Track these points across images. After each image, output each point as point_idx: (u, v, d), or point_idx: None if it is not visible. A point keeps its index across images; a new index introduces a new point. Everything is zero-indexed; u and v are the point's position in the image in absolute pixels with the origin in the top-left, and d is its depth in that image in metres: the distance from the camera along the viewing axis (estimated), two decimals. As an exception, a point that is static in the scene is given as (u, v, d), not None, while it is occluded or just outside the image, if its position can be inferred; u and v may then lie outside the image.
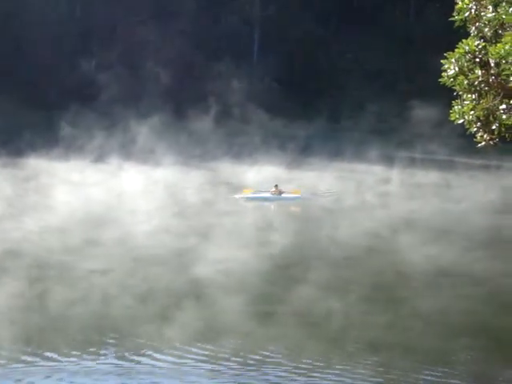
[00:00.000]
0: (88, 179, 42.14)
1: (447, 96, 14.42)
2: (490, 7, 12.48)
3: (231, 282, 23.40)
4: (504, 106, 12.47)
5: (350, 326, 19.82)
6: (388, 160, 54.93)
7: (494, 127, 12.63)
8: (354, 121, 65.56)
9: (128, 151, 49.24)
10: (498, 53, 11.98)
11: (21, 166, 47.26)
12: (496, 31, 12.57)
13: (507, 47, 11.85)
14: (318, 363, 17.57)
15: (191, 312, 20.29)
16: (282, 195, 39.72)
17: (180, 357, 17.73)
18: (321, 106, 69.39)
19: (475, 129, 12.79)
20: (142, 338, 18.79)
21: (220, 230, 31.28)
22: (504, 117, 12.49)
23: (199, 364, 17.44)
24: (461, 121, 12.83)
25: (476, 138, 12.90)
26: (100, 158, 48.25)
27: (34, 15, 68.87)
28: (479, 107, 12.59)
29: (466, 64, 12.54)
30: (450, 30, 16.39)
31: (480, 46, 12.50)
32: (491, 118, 12.61)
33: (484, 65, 12.50)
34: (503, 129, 12.63)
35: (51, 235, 29.20)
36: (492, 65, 12.36)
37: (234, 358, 17.76)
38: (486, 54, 12.37)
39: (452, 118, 13.00)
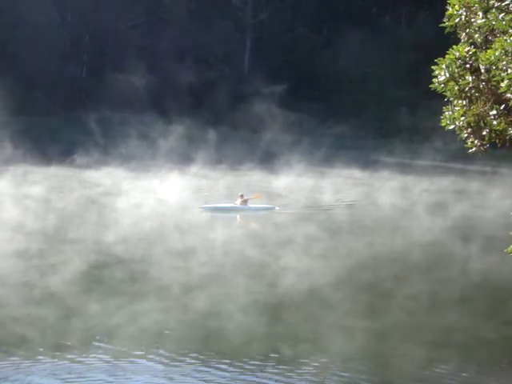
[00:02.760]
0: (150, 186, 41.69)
1: (438, 102, 14.48)
2: (480, 13, 12.49)
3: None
4: (494, 112, 12.46)
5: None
6: (377, 166, 55.13)
7: (484, 133, 12.62)
8: (346, 126, 65.68)
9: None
10: (489, 59, 11.98)
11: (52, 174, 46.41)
12: (486, 37, 12.58)
13: (497, 53, 11.86)
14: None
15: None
16: (249, 205, 36.84)
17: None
18: (313, 111, 69.60)
19: (466, 135, 12.79)
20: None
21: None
22: (494, 122, 12.48)
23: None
24: (451, 127, 12.82)
25: (467, 143, 12.92)
26: (127, 163, 47.82)
27: (25, 21, 68.82)
28: (470, 113, 12.59)
29: (456, 70, 12.54)
30: (440, 37, 16.44)
31: (470, 52, 12.50)
32: (482, 124, 12.60)
33: (474, 71, 12.50)
34: (494, 134, 12.62)
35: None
36: (482, 71, 12.36)
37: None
38: (477, 60, 12.37)
39: (443, 124, 12.99)
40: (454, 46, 12.57)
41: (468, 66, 12.47)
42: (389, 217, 37.05)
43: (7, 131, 46.80)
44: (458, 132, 12.83)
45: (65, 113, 65.55)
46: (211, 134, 55.17)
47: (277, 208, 37.38)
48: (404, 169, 55.00)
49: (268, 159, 53.45)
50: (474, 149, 12.88)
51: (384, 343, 19.43)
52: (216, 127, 59.43)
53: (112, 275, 24.61)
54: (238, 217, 36.66)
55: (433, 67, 12.81)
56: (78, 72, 73.83)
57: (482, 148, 12.85)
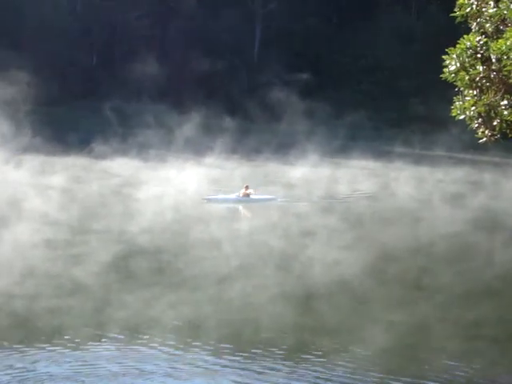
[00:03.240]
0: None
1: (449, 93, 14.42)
2: (492, 3, 12.43)
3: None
4: (505, 102, 12.41)
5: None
6: (390, 156, 54.87)
7: (495, 123, 12.57)
8: (357, 116, 65.44)
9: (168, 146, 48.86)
10: (500, 48, 11.93)
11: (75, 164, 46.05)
12: (497, 27, 12.52)
13: (508, 43, 11.80)
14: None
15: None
16: (251, 197, 36.62)
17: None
18: (324, 102, 69.25)
19: (476, 125, 12.74)
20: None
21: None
22: (505, 113, 12.43)
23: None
24: (462, 117, 12.77)
25: (477, 133, 12.87)
26: (143, 153, 47.67)
27: (34, 11, 68.78)
28: (480, 103, 12.53)
29: (467, 60, 12.48)
30: (451, 26, 16.35)
31: (481, 42, 12.44)
32: (492, 114, 12.55)
33: (485, 60, 12.44)
34: (504, 125, 12.57)
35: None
36: (493, 60, 12.30)
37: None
38: (488, 49, 12.31)
39: (453, 114, 12.95)
40: (465, 36, 12.52)
41: (479, 55, 12.43)
42: (408, 208, 36.79)
43: (24, 121, 46.75)
44: (469, 122, 12.79)
45: (77, 102, 65.48)
46: (225, 124, 55.12)
47: (279, 199, 37.30)
48: (417, 159, 54.75)
49: (281, 149, 53.23)
50: (484, 139, 12.84)
51: (415, 335, 19.32)
52: (229, 117, 59.20)
53: (140, 266, 24.54)
54: (240, 208, 36.57)
55: (443, 57, 12.76)
56: (88, 61, 73.76)
57: (492, 138, 12.82)
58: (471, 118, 12.72)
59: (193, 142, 49.02)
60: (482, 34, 12.55)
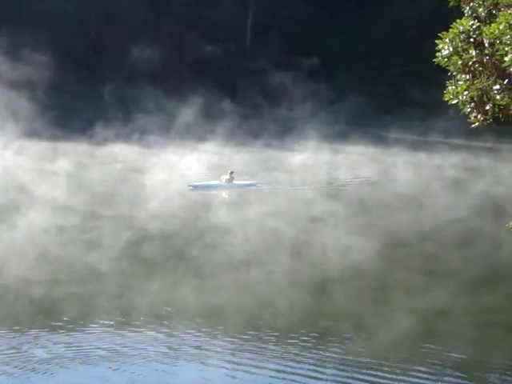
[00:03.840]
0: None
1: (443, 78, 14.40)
2: (485, -13, 12.43)
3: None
4: (498, 87, 12.40)
5: None
6: (386, 142, 54.90)
7: (487, 107, 12.57)
8: (350, 102, 65.42)
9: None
10: (493, 33, 11.91)
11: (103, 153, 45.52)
12: (490, 11, 12.50)
13: (501, 27, 11.79)
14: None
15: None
16: (234, 182, 37.11)
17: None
18: (317, 88, 69.18)
19: (469, 109, 12.73)
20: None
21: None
22: (498, 97, 12.43)
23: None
24: (455, 101, 12.76)
25: (470, 118, 12.87)
26: (144, 138, 47.55)
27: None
28: (473, 87, 12.52)
29: (460, 44, 12.46)
30: (443, 11, 16.34)
31: (474, 26, 12.42)
32: (485, 99, 12.53)
33: (478, 45, 12.42)
34: (497, 109, 12.57)
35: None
36: (486, 45, 12.29)
37: None
38: (481, 34, 12.29)
39: (446, 99, 12.93)
40: (458, 20, 12.50)
41: (472, 40, 12.42)
42: (409, 193, 36.84)
43: (24, 106, 46.58)
44: (462, 107, 12.77)
45: (74, 87, 65.25)
46: (223, 109, 55.11)
47: (257, 184, 37.59)
48: (413, 145, 54.76)
49: (279, 135, 53.28)
50: (477, 123, 12.83)
51: (430, 321, 19.36)
52: (226, 102, 59.10)
53: (153, 251, 24.63)
54: (223, 194, 36.68)
55: (436, 41, 12.74)
56: (84, 47, 73.48)
57: (485, 123, 12.81)
58: (464, 103, 12.71)
59: (191, 127, 49.08)
60: (475, 18, 12.54)
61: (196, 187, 35.92)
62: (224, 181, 36.83)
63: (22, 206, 29.30)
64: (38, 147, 43.67)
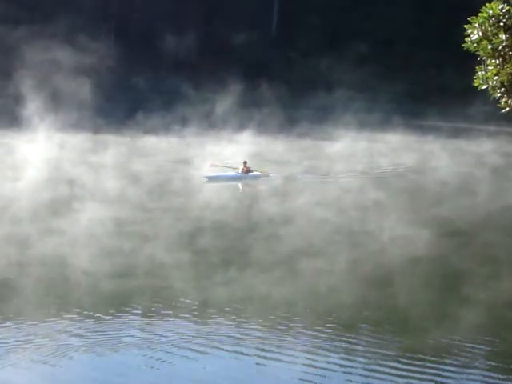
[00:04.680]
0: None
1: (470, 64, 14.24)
2: (514, -31, 12.26)
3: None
4: (529, 71, 12.28)
5: None
6: (421, 129, 54.54)
7: (518, 92, 12.45)
8: (377, 89, 65.14)
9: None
10: (523, 16, 11.81)
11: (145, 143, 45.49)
12: (521, -6, 12.37)
13: (532, 10, 11.67)
14: None
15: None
16: (250, 173, 36.31)
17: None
18: (344, 75, 68.84)
19: (499, 94, 12.61)
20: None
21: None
22: (529, 82, 12.32)
23: None
24: (484, 86, 12.64)
25: (500, 103, 12.73)
26: (181, 128, 47.27)
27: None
28: (503, 72, 12.39)
29: (489, 28, 12.32)
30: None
31: (504, 10, 12.30)
32: (515, 83, 12.43)
33: (508, 29, 12.28)
34: (528, 94, 12.45)
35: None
36: (516, 29, 12.17)
37: None
38: (511, 17, 12.18)
39: (476, 84, 12.80)
40: (488, 4, 12.37)
41: (502, 24, 12.28)
42: (454, 181, 36.53)
43: (63, 98, 46.70)
44: (492, 92, 12.65)
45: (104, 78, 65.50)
46: (256, 98, 55.01)
47: (271, 174, 36.80)
48: (448, 132, 54.63)
49: (312, 124, 53.04)
50: (507, 108, 12.70)
51: (497, 312, 18.89)
52: (258, 92, 59.10)
53: (210, 243, 24.51)
54: (239, 185, 36.14)
55: (465, 26, 12.61)
56: (106, 37, 73.68)
57: (515, 108, 12.68)
58: (494, 88, 12.60)
59: (226, 117, 48.92)
60: (505, 1, 12.39)
61: (211, 178, 35.16)
62: (240, 171, 36.11)
63: (75, 199, 29.43)
64: (79, 139, 43.75)
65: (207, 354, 15.99)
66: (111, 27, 73.98)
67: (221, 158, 39.06)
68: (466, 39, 12.63)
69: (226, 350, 16.19)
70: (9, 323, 17.25)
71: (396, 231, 25.67)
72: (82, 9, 70.09)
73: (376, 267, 22.25)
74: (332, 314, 18.40)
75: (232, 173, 35.97)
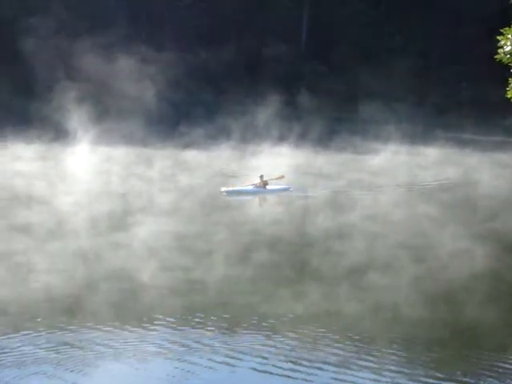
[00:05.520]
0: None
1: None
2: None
3: None
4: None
5: None
6: (459, 142, 54.36)
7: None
8: (406, 103, 65.10)
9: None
10: (557, 27, 11.72)
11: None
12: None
13: None
14: None
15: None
16: (267, 187, 35.80)
17: None
18: (373, 88, 68.90)
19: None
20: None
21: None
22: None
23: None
24: (517, 98, 12.56)
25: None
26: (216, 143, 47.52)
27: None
28: (536, 83, 12.29)
29: (523, 39, 12.22)
30: (504, 9, 16.03)
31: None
32: (549, 95, 12.33)
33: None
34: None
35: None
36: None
37: None
38: (543, 28, 12.08)
39: (509, 96, 12.75)
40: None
41: (535, 34, 12.15)
42: (501, 195, 36.12)
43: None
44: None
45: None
46: (292, 111, 55.04)
47: (291, 189, 36.42)
48: (484, 145, 54.04)
49: (348, 137, 53.05)
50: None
51: None
52: (293, 105, 59.27)
53: (268, 257, 24.51)
54: (257, 199, 35.75)
55: (498, 37, 12.53)
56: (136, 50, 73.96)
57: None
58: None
59: (263, 130, 49.01)
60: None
61: (230, 193, 34.87)
62: (257, 186, 35.77)
63: (130, 213, 29.72)
64: (126, 151, 44.09)
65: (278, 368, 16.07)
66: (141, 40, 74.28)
67: (265, 172, 39.24)
68: (499, 50, 12.60)
69: (298, 368, 16.17)
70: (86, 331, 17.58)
71: (454, 245, 25.51)
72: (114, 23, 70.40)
73: (440, 282, 22.09)
74: (400, 331, 18.26)
75: (250, 187, 35.73)
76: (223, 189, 34.93)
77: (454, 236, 27.05)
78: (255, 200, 35.04)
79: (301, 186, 37.42)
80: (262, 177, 35.75)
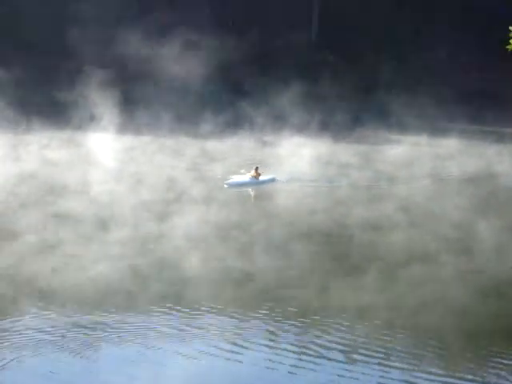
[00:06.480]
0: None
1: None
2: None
3: None
4: None
5: None
6: (476, 134, 54.27)
7: None
8: (416, 93, 64.95)
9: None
10: None
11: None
12: None
13: None
14: None
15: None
16: (260, 178, 35.81)
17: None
18: (382, 80, 68.86)
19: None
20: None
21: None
22: None
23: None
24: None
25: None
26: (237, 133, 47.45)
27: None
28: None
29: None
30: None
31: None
32: None
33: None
34: None
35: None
36: None
37: None
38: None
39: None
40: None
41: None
42: None
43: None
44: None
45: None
46: (309, 102, 54.97)
47: (277, 179, 36.34)
48: (504, 136, 53.78)
49: (367, 128, 53.22)
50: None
51: None
52: (309, 95, 59.12)
53: (309, 248, 24.72)
54: (250, 190, 35.55)
55: (510, 28, 12.55)
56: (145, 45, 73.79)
57: None
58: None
59: (281, 120, 48.99)
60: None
61: (231, 185, 34.81)
62: (251, 177, 35.65)
63: (168, 202, 29.98)
64: (156, 141, 44.25)
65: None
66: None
67: (291, 162, 39.46)
68: (511, 41, 12.62)
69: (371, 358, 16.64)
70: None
71: (495, 238, 25.63)
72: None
73: (486, 275, 22.15)
74: (453, 323, 18.44)
75: (247, 179, 35.60)
76: (226, 182, 34.86)
77: (493, 228, 27.06)
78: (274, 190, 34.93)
79: (327, 177, 37.33)
80: (257, 169, 35.79)
